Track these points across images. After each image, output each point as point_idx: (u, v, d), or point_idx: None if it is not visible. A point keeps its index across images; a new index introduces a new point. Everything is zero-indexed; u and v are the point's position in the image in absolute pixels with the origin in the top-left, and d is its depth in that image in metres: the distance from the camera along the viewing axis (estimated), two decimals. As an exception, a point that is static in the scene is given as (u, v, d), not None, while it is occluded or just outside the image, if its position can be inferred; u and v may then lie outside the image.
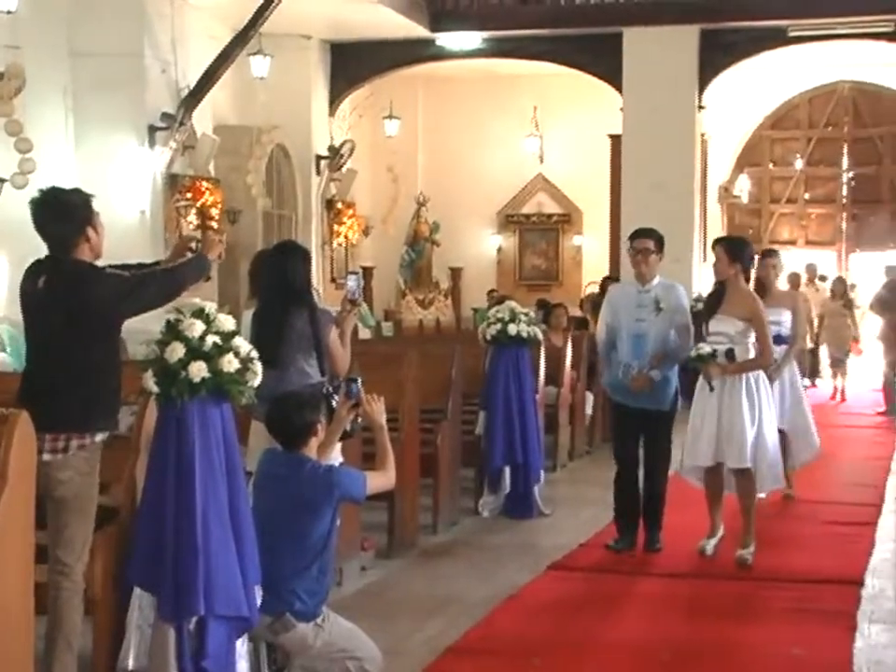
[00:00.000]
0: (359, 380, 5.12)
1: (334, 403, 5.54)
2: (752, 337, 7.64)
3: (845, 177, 22.19)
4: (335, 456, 6.25)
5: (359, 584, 7.10)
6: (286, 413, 4.91)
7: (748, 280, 7.93)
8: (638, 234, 7.99)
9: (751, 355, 7.63)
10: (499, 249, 21.80)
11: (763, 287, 8.82)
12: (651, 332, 7.76)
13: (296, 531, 4.71)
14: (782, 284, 16.39)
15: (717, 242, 8.05)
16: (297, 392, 5.57)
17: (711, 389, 7.54)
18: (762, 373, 7.75)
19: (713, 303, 7.79)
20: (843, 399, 17.49)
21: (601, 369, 9.09)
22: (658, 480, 8.01)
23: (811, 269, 19.44)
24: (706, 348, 7.53)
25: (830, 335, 17.62)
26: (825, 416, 15.86)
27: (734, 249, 7.84)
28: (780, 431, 8.42)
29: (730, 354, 7.53)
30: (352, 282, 6.45)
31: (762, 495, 8.87)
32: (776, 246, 21.87)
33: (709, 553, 7.76)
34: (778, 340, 8.57)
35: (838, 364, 17.74)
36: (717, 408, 7.64)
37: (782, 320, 8.97)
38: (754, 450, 7.59)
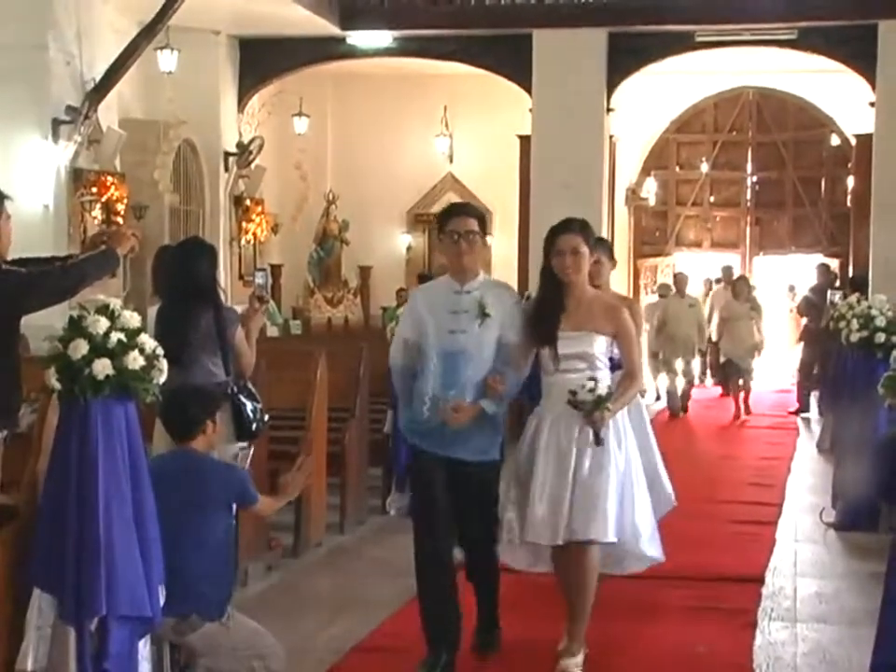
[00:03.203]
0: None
1: (239, 403, 5.50)
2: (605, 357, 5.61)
3: (749, 181, 22.57)
4: (234, 451, 6.22)
5: (265, 583, 7.07)
6: (181, 402, 4.91)
7: None
8: (456, 212, 5.62)
9: (607, 381, 5.51)
10: (409, 248, 21.78)
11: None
12: (472, 348, 5.40)
13: (199, 529, 4.68)
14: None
15: (566, 229, 5.53)
16: (191, 385, 5.56)
17: (599, 443, 5.35)
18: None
19: (551, 316, 5.47)
20: (748, 412, 15.74)
21: (400, 404, 6.00)
22: (488, 569, 5.87)
23: (727, 271, 18.71)
24: (602, 386, 5.34)
25: (733, 342, 15.68)
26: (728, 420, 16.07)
27: (591, 236, 5.65)
28: None
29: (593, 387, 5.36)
30: (260, 279, 6.44)
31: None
32: (682, 249, 22.47)
33: None
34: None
35: (740, 374, 15.64)
36: (558, 461, 5.44)
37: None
38: (628, 517, 5.65)
